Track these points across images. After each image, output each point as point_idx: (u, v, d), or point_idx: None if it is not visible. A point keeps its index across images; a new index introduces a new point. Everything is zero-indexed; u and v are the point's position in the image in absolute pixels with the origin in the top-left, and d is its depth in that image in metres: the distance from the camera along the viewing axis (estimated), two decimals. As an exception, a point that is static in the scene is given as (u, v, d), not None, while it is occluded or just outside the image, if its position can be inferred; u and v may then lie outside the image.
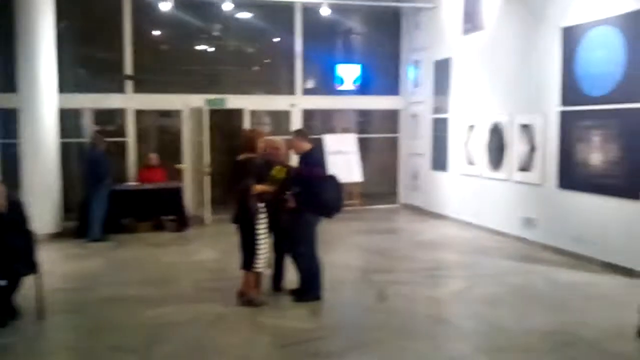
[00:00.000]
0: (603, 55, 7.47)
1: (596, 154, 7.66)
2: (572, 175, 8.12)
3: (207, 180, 10.84)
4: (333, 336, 5.35)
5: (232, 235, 6.20)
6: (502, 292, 6.57)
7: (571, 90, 8.07)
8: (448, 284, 7.20)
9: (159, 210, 10.37)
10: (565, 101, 8.21)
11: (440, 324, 5.61)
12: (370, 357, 4.82)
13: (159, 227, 10.32)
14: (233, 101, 11.68)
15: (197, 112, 11.24)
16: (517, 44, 9.28)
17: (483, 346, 5.02)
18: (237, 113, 11.86)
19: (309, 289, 6.18)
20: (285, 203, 6.02)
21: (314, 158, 6.17)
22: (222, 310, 5.95)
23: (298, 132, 6.38)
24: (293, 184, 6.01)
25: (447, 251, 8.84)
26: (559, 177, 8.37)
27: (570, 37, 8.04)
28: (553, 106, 8.43)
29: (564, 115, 8.23)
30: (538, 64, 8.77)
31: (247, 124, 11.78)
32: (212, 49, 12.62)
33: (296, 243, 6.13)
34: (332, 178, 6.06)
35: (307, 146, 6.16)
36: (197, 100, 11.26)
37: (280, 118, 12.70)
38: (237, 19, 12.08)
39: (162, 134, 12.85)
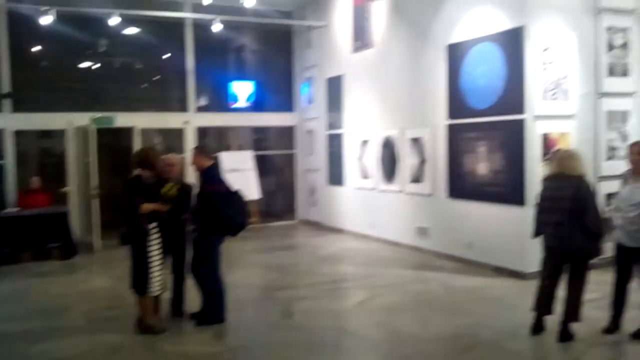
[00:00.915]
0: (485, 70, 7.93)
1: (482, 163, 8.09)
2: (461, 185, 8.52)
3: (95, 204, 10.26)
4: (240, 358, 5.20)
5: (124, 261, 5.85)
6: (404, 301, 6.73)
7: (457, 104, 8.49)
8: (351, 296, 7.27)
9: (43, 237, 9.64)
10: (452, 114, 8.62)
11: (348, 336, 5.63)
12: (279, 376, 4.73)
13: (43, 255, 9.59)
14: (122, 119, 11.19)
15: (83, 132, 10.66)
16: (405, 60, 9.66)
17: (391, 355, 5.08)
18: (126, 132, 11.35)
19: (213, 312, 5.96)
20: (185, 223, 5.83)
21: (216, 174, 6.00)
22: (119, 339, 5.59)
23: (199, 149, 6.16)
24: (195, 201, 5.81)
25: (347, 264, 8.94)
26: (449, 187, 8.75)
27: (455, 54, 8.48)
28: (441, 120, 8.82)
29: (451, 128, 8.64)
30: (425, 80, 9.17)
31: (137, 143, 11.31)
32: (98, 66, 12.05)
33: (199, 263, 5.90)
34: (236, 194, 5.94)
35: (208, 162, 5.97)
36: (83, 118, 10.67)
37: (172, 136, 12.34)
38: (125, 35, 11.63)
39: (44, 155, 12.03)
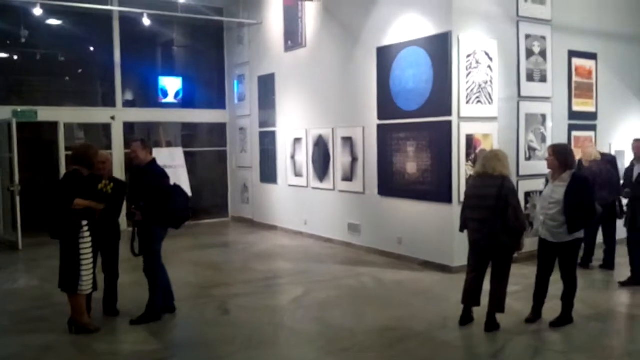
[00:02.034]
0: (414, 74, 8.22)
1: (411, 163, 8.39)
2: (391, 183, 8.80)
3: (17, 201, 9.85)
4: (177, 356, 5.19)
5: (52, 259, 5.70)
6: (338, 295, 6.91)
7: (387, 106, 8.74)
8: (286, 292, 7.38)
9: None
10: (382, 115, 8.88)
11: (284, 331, 5.73)
12: (219, 372, 4.77)
13: (-40, 255, 9.14)
14: (45, 114, 10.79)
15: (3, 126, 10.19)
16: (337, 61, 9.85)
17: (327, 348, 5.21)
18: (50, 126, 10.96)
19: (151, 308, 5.90)
20: (133, 217, 5.78)
21: (158, 169, 5.96)
22: (50, 340, 5.45)
23: (142, 142, 6.01)
24: (139, 196, 5.77)
25: (281, 260, 9.04)
26: (379, 185, 9.01)
27: (385, 57, 8.73)
28: (371, 120, 9.07)
29: (382, 128, 8.90)
30: (357, 81, 9.39)
31: (61, 138, 10.93)
32: (19, 57, 11.54)
33: (145, 257, 5.87)
34: (178, 188, 5.97)
35: (150, 157, 5.93)
36: (3, 112, 10.20)
37: (98, 131, 12.00)
38: (48, 25, 11.19)
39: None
